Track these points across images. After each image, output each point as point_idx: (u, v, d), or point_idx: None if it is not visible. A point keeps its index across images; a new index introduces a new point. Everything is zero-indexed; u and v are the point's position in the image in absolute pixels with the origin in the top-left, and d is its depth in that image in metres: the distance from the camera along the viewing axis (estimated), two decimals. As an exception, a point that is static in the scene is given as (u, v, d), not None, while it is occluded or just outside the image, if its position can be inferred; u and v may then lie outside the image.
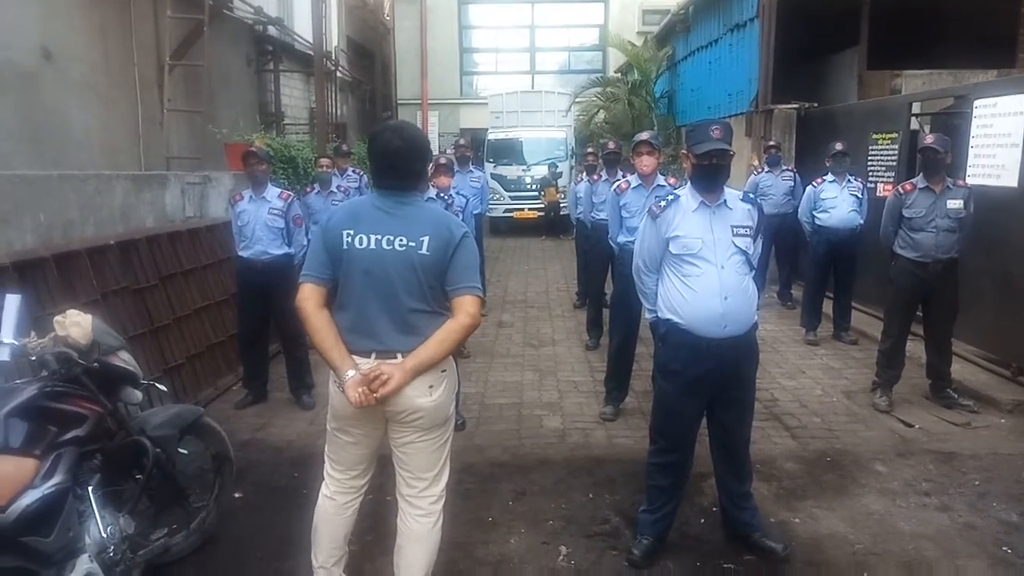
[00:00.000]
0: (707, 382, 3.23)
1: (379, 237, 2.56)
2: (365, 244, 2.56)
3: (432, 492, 2.75)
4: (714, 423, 3.40)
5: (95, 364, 2.82)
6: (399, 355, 2.54)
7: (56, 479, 2.54)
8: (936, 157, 4.97)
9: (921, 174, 5.15)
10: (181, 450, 3.31)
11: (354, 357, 2.55)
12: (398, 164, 2.62)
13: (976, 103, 6.06)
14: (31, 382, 2.69)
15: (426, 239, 2.55)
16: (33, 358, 2.74)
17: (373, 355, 2.56)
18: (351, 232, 2.58)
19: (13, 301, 2.72)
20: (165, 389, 3.68)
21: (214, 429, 3.59)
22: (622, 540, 3.55)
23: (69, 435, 2.64)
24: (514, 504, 3.94)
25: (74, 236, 4.67)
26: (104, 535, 2.71)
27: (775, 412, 5.23)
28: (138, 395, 3.10)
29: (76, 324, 2.78)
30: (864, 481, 4.17)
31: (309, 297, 2.60)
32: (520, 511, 3.86)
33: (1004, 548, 3.48)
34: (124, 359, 3.02)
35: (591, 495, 4.02)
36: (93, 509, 2.72)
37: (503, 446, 4.69)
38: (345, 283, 2.61)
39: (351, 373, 2.49)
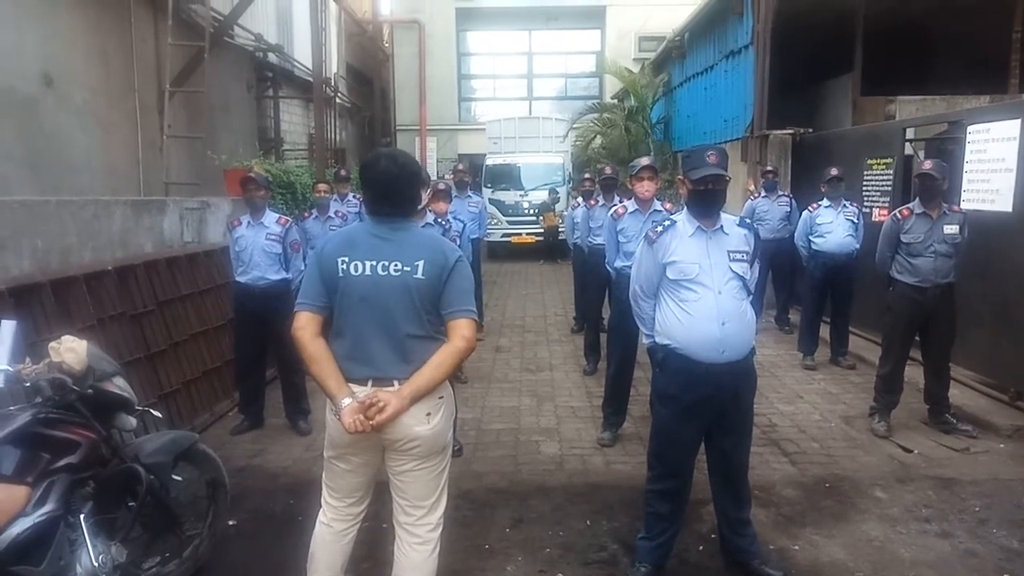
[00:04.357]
0: (705, 408, 3.22)
1: (374, 263, 2.57)
2: (361, 270, 2.57)
3: (429, 520, 2.72)
4: (712, 449, 3.38)
5: (89, 390, 2.81)
6: (396, 382, 2.53)
7: (48, 507, 2.52)
8: (933, 184, 5.00)
9: (917, 199, 5.17)
10: (175, 477, 3.28)
11: (351, 385, 2.54)
12: (393, 192, 2.63)
13: (969, 128, 6.11)
14: (25, 408, 2.68)
15: (421, 263, 2.56)
16: (27, 384, 2.73)
17: (370, 382, 2.55)
18: (346, 259, 2.58)
19: (8, 327, 2.71)
20: (160, 415, 3.66)
21: (209, 455, 3.56)
22: (620, 568, 3.52)
23: (62, 462, 2.63)
24: (511, 531, 3.90)
25: (72, 262, 4.68)
26: (96, 564, 2.68)
27: (773, 437, 5.20)
28: (132, 422, 3.08)
29: (71, 350, 2.77)
30: (863, 507, 4.14)
31: (305, 325, 2.59)
32: (517, 538, 3.82)
33: (1005, 575, 3.44)
34: (119, 385, 3.01)
35: (589, 522, 3.99)
36: (85, 537, 2.69)
37: (500, 472, 4.66)
38: (341, 310, 2.61)
39: (347, 401, 2.48)
